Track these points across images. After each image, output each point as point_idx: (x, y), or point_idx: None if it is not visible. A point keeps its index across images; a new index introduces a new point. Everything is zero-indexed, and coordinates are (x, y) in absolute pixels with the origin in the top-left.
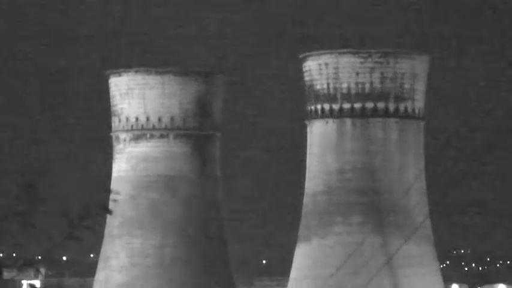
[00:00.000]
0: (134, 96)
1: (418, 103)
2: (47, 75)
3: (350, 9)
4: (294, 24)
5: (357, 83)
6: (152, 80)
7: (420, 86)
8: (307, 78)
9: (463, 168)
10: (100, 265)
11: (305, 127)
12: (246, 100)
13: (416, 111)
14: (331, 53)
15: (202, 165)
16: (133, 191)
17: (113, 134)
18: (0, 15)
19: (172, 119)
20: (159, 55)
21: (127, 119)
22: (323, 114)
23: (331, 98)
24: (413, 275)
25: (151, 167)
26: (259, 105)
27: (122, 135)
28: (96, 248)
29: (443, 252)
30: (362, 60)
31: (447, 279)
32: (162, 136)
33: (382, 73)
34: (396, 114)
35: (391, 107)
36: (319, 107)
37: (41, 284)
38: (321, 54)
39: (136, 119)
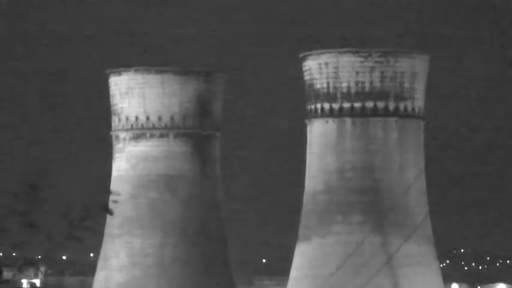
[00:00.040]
0: (134, 96)
1: (418, 102)
2: (47, 75)
3: (350, 9)
4: (294, 24)
5: (356, 82)
6: (152, 79)
7: (420, 85)
8: (307, 78)
9: (463, 168)
10: (100, 264)
11: (305, 126)
12: (246, 100)
13: (416, 110)
14: (331, 53)
15: (202, 165)
16: (133, 191)
17: (112, 133)
18: (1, 15)
19: (172, 118)
20: (159, 55)
21: (127, 118)
22: (323, 114)
23: (331, 97)
24: (413, 274)
25: (151, 167)
26: (259, 105)
27: (122, 135)
28: (96, 247)
29: (443, 251)
30: (362, 59)
31: (447, 279)
32: (162, 135)
33: (382, 72)
34: (396, 113)
35: (391, 106)
36: (319, 106)
37: (41, 283)
38: (321, 53)
39: (136, 118)
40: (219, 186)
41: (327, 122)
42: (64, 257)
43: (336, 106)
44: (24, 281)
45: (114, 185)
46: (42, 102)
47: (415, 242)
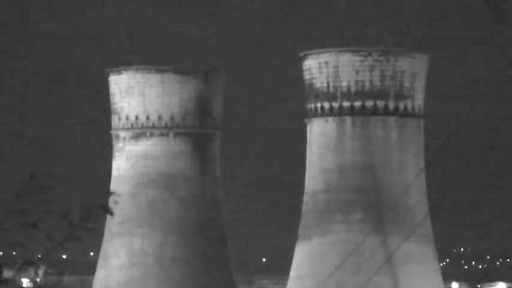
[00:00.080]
0: (134, 95)
1: (418, 101)
2: (47, 75)
3: (350, 9)
4: (294, 24)
5: (356, 81)
6: (152, 78)
7: (420, 85)
8: (307, 77)
9: (463, 167)
10: (100, 264)
11: (305, 125)
12: (246, 99)
13: (416, 109)
14: (331, 52)
15: (202, 164)
16: (133, 190)
17: (112, 133)
18: (1, 16)
19: (172, 117)
20: (159, 54)
21: (127, 118)
22: (323, 113)
23: (331, 96)
24: (413, 273)
25: (151, 166)
26: (259, 104)
27: (122, 134)
28: (96, 246)
29: (443, 250)
30: (362, 58)
31: (447, 278)
32: (162, 134)
33: (382, 71)
34: (396, 112)
35: (391, 105)
36: (319, 105)
37: (41, 282)
38: (321, 52)
39: (136, 117)
40: (219, 185)
41: (326, 121)
42: (64, 256)
43: (335, 105)
44: (26, 280)
45: (114, 184)
46: (42, 103)
47: (415, 241)
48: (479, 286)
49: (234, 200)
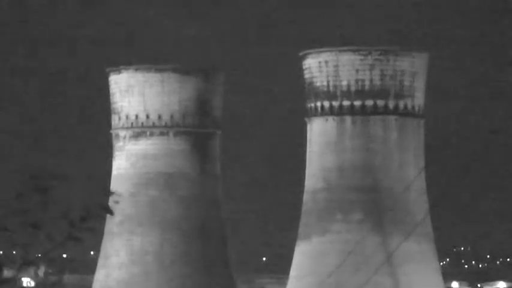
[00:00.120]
0: (134, 94)
1: (418, 101)
2: (47, 75)
3: (350, 9)
4: (294, 23)
5: (356, 81)
6: (152, 77)
7: (420, 84)
8: (307, 76)
9: (463, 166)
10: (100, 263)
11: (305, 125)
12: (246, 98)
13: (416, 108)
14: (331, 51)
15: (202, 163)
16: (133, 189)
17: (112, 132)
18: (1, 16)
19: (172, 116)
20: (159, 54)
21: (127, 117)
22: (323, 112)
23: (331, 95)
24: (413, 272)
25: (151, 165)
26: (259, 103)
27: (122, 133)
28: (96, 245)
29: (443, 249)
30: (362, 57)
31: (447, 277)
32: (161, 134)
33: (382, 70)
34: (396, 111)
35: (391, 104)
36: (319, 104)
37: (41, 281)
38: (321, 51)
39: (136, 116)
40: (218, 184)
41: (326, 120)
42: (64, 256)
43: (335, 104)
44: (27, 280)
45: (114, 184)
46: (42, 102)
47: (415, 240)
48: (479, 285)
49: (234, 198)
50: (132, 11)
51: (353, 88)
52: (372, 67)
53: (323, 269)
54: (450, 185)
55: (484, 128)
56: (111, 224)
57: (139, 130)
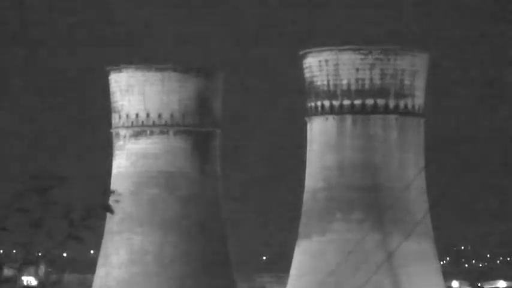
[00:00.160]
0: (134, 93)
1: (418, 100)
2: (47, 75)
3: (350, 9)
4: (294, 23)
5: (357, 80)
6: (152, 76)
7: (420, 83)
8: (307, 75)
9: (463, 165)
10: (100, 261)
11: (305, 124)
12: (246, 98)
13: (417, 107)
14: (331, 50)
15: (202, 162)
16: (133, 187)
17: (113, 131)
18: (1, 16)
19: (172, 115)
20: (159, 54)
21: (127, 116)
22: (323, 111)
23: (331, 94)
24: (414, 271)
25: (151, 164)
26: (259, 103)
27: (122, 132)
28: (96, 244)
29: (443, 249)
30: (362, 56)
31: (447, 276)
32: (162, 132)
33: (382, 70)
34: (396, 110)
35: (391, 103)
36: (319, 103)
37: (41, 281)
38: (321, 50)
39: (137, 115)
40: (219, 183)
41: (327, 119)
42: (64, 255)
43: (336, 103)
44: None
45: (114, 182)
46: (42, 102)
47: (415, 240)
48: (479, 284)
49: (234, 197)
50: (132, 11)
51: (353, 87)
52: (372, 66)
53: (323, 268)
54: (450, 185)
55: (484, 128)
56: (111, 223)
57: (140, 129)
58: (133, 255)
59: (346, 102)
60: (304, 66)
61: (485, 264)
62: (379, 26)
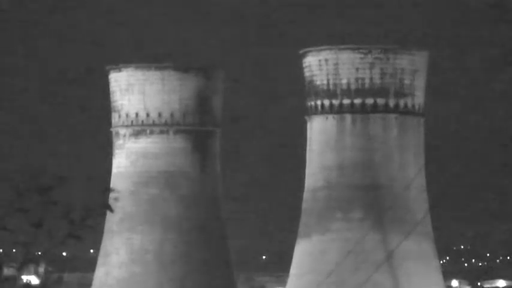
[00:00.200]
0: (134, 92)
1: (418, 99)
2: (47, 75)
3: (350, 9)
4: (294, 23)
5: (356, 79)
6: (152, 75)
7: (420, 82)
8: (307, 74)
9: (463, 164)
10: (100, 261)
11: (305, 123)
12: (246, 97)
13: (416, 107)
14: (331, 49)
15: (203, 162)
16: (133, 187)
17: (112, 130)
18: (1, 16)
19: (172, 114)
20: (159, 54)
21: (127, 115)
22: (323, 110)
23: (331, 93)
24: (413, 271)
25: (151, 163)
26: (259, 103)
27: (122, 131)
28: (96, 243)
29: (443, 248)
30: (362, 56)
31: (447, 275)
32: (162, 132)
33: (382, 69)
34: (396, 110)
35: (391, 102)
36: (319, 102)
37: (41, 280)
38: (321, 50)
39: (136, 114)
40: (219, 182)
41: (326, 118)
42: (64, 254)
43: (335, 102)
44: (26, 278)
45: (114, 182)
46: (42, 102)
47: (415, 239)
48: (479, 284)
49: (234, 197)
50: (132, 11)
51: (353, 86)
52: (372, 65)
53: (323, 267)
54: (450, 184)
55: (484, 128)
56: (111, 223)
57: (140, 128)
58: (133, 255)
59: (346, 101)
60: (304, 65)
61: (485, 263)
62: (379, 26)
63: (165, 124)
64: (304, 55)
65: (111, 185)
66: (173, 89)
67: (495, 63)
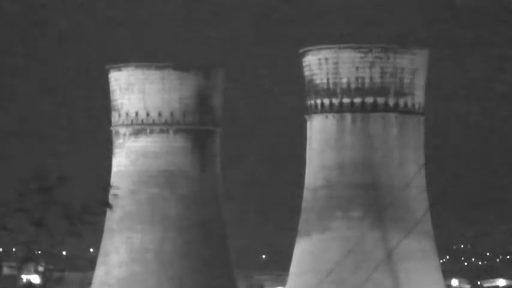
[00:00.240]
0: (134, 91)
1: (418, 98)
2: (46, 75)
3: (350, 9)
4: (294, 23)
5: (356, 78)
6: (152, 74)
7: (420, 81)
8: (307, 73)
9: (463, 164)
10: (100, 260)
11: (305, 122)
12: (246, 97)
13: (416, 106)
14: (331, 48)
15: (202, 161)
16: (133, 186)
17: (112, 129)
18: (1, 15)
19: (172, 114)
20: (159, 53)
21: (127, 114)
22: (323, 109)
23: (331, 92)
24: (413, 269)
25: (151, 162)
26: (259, 102)
27: (122, 130)
28: (96, 243)
29: (443, 247)
30: (362, 55)
31: (447, 274)
32: (162, 131)
33: (382, 68)
34: (396, 109)
35: (391, 101)
36: (319, 101)
37: (41, 279)
38: (321, 49)
39: (136, 114)
40: (219, 181)
41: (326, 117)
42: (64, 253)
43: (335, 101)
44: (31, 277)
45: (114, 181)
46: (42, 103)
47: (415, 238)
48: (479, 283)
49: (234, 196)
50: (132, 11)
51: (353, 85)
52: (372, 64)
53: (323, 266)
54: (450, 183)
55: (484, 128)
56: (111, 221)
57: (139, 127)
58: (133, 254)
59: (346, 100)
60: (304, 64)
61: (485, 262)
62: (379, 26)
63: (165, 123)
64: (304, 54)
65: (111, 183)
66: (173, 88)
67: (495, 63)
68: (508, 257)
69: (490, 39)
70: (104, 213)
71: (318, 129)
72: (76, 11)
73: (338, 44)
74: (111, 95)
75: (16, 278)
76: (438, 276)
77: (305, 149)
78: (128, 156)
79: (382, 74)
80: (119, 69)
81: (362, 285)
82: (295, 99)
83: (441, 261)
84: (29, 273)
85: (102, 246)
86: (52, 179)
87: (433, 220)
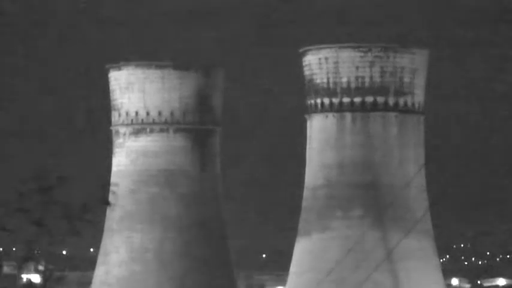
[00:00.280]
0: (134, 91)
1: (418, 97)
2: (46, 75)
3: (350, 9)
4: (294, 23)
5: (356, 77)
6: (152, 74)
7: (420, 81)
8: (307, 73)
9: (463, 164)
10: (100, 259)
11: (305, 121)
12: (246, 97)
13: (416, 105)
14: (331, 47)
15: (202, 160)
16: (133, 186)
17: (112, 128)
18: (1, 16)
19: (172, 113)
20: (159, 53)
21: (127, 114)
22: (323, 109)
23: (331, 92)
24: (413, 269)
25: (151, 162)
26: (259, 102)
27: (122, 130)
28: (96, 242)
29: (443, 246)
30: (362, 54)
31: (447, 274)
32: (162, 130)
33: (382, 67)
34: (396, 108)
35: (391, 101)
36: (319, 101)
37: (41, 278)
38: (321, 48)
39: (136, 113)
40: (219, 181)
41: (326, 116)
42: (64, 252)
43: (335, 101)
44: (31, 276)
45: (114, 180)
46: (42, 103)
47: (414, 237)
48: (479, 282)
49: (234, 195)
50: (132, 11)
51: (353, 85)
52: (372, 64)
53: (323, 265)
54: (450, 183)
55: (484, 128)
56: (111, 221)
57: (140, 127)
58: (133, 254)
59: (346, 99)
60: (304, 64)
61: (485, 262)
62: (379, 26)
63: (165, 123)
64: (304, 54)
65: (110, 181)
66: (173, 88)
67: (495, 63)
68: (508, 256)
69: (490, 39)
70: (104, 212)
71: (318, 129)
72: (76, 11)
73: (338, 44)
74: (111, 94)
75: (16, 277)
76: (438, 275)
77: (305, 148)
78: (128, 156)
79: (382, 73)
80: (119, 68)
81: (362, 285)
82: (295, 99)
83: (441, 260)
84: (29, 272)
85: (102, 246)
86: (52, 179)
87: (433, 220)
